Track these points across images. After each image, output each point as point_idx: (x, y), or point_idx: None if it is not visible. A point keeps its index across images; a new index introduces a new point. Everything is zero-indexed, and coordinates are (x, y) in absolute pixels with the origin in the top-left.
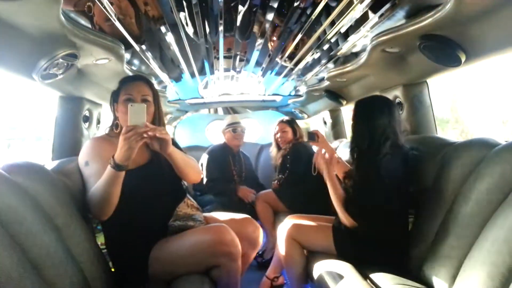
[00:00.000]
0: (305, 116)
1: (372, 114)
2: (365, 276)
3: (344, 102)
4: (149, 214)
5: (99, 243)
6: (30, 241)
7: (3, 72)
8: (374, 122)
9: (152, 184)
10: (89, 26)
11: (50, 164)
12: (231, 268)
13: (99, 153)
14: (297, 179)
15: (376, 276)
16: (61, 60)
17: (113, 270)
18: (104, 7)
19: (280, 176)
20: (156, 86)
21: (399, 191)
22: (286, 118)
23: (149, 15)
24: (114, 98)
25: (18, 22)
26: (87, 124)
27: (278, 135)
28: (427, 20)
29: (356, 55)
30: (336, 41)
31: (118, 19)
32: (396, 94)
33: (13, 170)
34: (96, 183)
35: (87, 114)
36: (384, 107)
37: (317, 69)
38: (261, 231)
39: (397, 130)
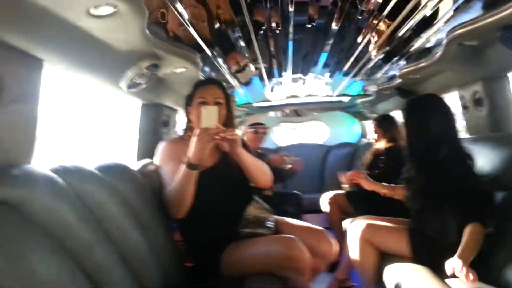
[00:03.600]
0: (374, 115)
1: (427, 113)
2: (442, 282)
3: None
4: (219, 216)
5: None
6: (119, 236)
7: (94, 82)
8: (430, 122)
9: (221, 185)
10: (164, 34)
11: (134, 165)
12: (297, 281)
13: (172, 154)
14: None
15: (453, 282)
16: (145, 70)
17: (188, 265)
18: (178, 12)
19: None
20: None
21: (473, 193)
22: (378, 116)
23: (221, 19)
24: (188, 102)
25: (107, 37)
26: (165, 128)
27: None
28: (509, 9)
29: (429, 50)
30: (409, 36)
31: (191, 24)
32: (475, 89)
33: (104, 170)
34: (171, 182)
35: (166, 119)
36: (438, 106)
37: (387, 67)
38: (335, 245)
39: (455, 132)
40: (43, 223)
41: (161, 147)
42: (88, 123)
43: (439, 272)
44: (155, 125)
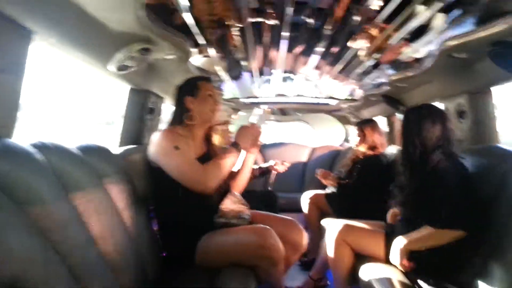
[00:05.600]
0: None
1: (425, 123)
2: (414, 283)
3: (403, 108)
4: (196, 206)
5: None
6: (96, 218)
7: (84, 60)
8: (427, 131)
9: None
10: (160, 19)
11: (116, 150)
12: (271, 272)
13: (183, 139)
14: (355, 190)
15: (425, 284)
16: (136, 54)
17: (164, 254)
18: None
19: (342, 180)
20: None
21: (460, 200)
22: (362, 120)
23: (217, 14)
24: (191, 92)
25: (101, 15)
26: (151, 115)
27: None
28: (501, 26)
29: (418, 60)
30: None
31: (191, 14)
32: (459, 102)
33: (85, 150)
34: (192, 162)
35: (152, 106)
36: (436, 116)
37: (377, 73)
38: (305, 235)
39: (450, 141)
40: (19, 199)
41: (163, 135)
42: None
43: (413, 275)
44: (141, 111)
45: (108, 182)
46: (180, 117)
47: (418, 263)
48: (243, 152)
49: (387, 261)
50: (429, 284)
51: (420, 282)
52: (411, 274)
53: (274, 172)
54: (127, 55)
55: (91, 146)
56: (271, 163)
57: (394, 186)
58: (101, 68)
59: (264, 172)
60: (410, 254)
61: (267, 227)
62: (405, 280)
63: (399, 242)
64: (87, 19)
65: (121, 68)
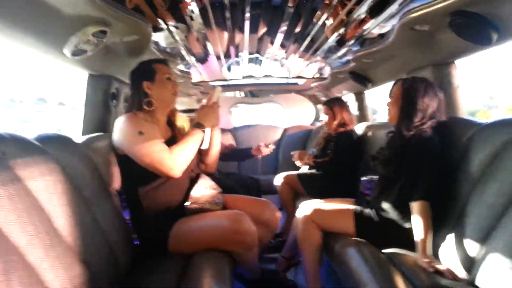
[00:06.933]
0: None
1: (426, 95)
2: (380, 252)
3: (370, 85)
4: (167, 192)
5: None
6: (61, 210)
7: (35, 46)
8: (428, 103)
9: None
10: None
11: (79, 138)
12: (246, 256)
13: (147, 124)
14: (329, 169)
15: (394, 254)
16: (91, 37)
17: (137, 243)
18: None
19: (315, 158)
20: (181, 68)
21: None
22: (330, 99)
23: None
24: (147, 77)
25: None
26: (114, 102)
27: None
28: None
29: (381, 36)
30: (362, 20)
31: None
32: (424, 75)
33: (44, 140)
34: (157, 146)
35: (115, 93)
36: (433, 88)
37: (343, 50)
38: (278, 215)
39: (443, 112)
40: None
41: (126, 121)
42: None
43: (382, 246)
44: (103, 98)
45: (71, 172)
46: (139, 103)
47: (388, 238)
48: (207, 130)
49: (357, 235)
50: (398, 255)
51: (388, 252)
52: (381, 247)
53: (259, 156)
54: (83, 39)
55: (51, 135)
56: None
57: (372, 157)
58: (56, 54)
59: (247, 156)
60: (381, 230)
61: (241, 212)
62: (375, 249)
63: (420, 259)
64: (36, 2)
65: (77, 53)
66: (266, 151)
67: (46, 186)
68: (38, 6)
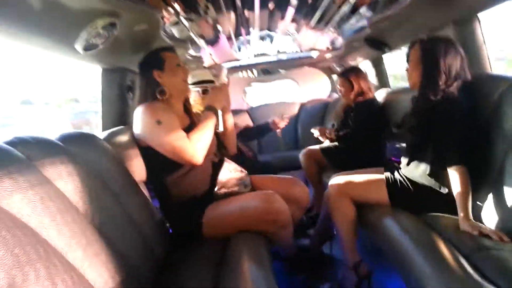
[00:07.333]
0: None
1: (448, 54)
2: (419, 220)
3: (387, 49)
4: (194, 179)
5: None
6: (92, 207)
7: (47, 46)
8: (451, 62)
9: None
10: None
11: (100, 134)
12: (281, 234)
13: (165, 113)
14: (352, 140)
15: (434, 219)
16: (101, 30)
17: (171, 231)
18: None
19: (340, 132)
20: (192, 52)
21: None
22: (345, 69)
23: None
24: (158, 66)
25: None
26: (131, 94)
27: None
28: None
29: None
30: None
31: None
32: (446, 33)
33: (67, 140)
34: (177, 134)
35: (131, 85)
36: (455, 47)
37: (357, 17)
38: (307, 190)
39: (466, 71)
40: None
41: (143, 111)
42: None
43: (419, 213)
44: (119, 91)
45: (97, 168)
46: (152, 93)
47: (424, 203)
48: (220, 113)
49: (392, 204)
50: (439, 220)
51: (427, 218)
52: (418, 212)
53: (278, 130)
54: (93, 33)
55: (73, 134)
56: (269, 121)
57: (397, 125)
58: (68, 51)
59: (264, 131)
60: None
61: (271, 191)
62: (416, 220)
63: (463, 225)
64: (44, 1)
65: (88, 47)
66: (282, 124)
67: (75, 185)
68: (44, 4)
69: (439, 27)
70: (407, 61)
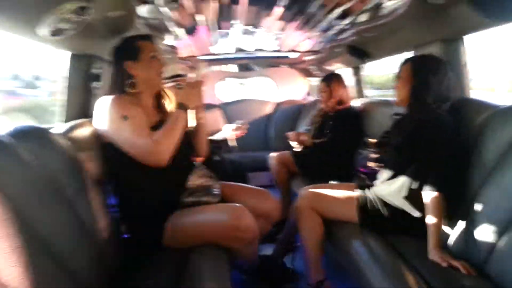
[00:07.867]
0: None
1: (436, 73)
2: (388, 243)
3: (367, 59)
4: (161, 184)
5: None
6: (40, 216)
7: (8, 28)
8: (442, 82)
9: None
10: None
11: (59, 127)
12: (246, 251)
13: (132, 107)
14: (327, 149)
15: (403, 245)
16: (70, 15)
17: (126, 236)
18: None
19: (316, 139)
20: (168, 42)
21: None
22: (327, 75)
23: None
24: (131, 56)
25: None
26: (98, 83)
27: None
28: None
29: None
30: None
31: None
32: (432, 50)
33: (20, 136)
34: (143, 132)
35: (98, 72)
36: (445, 67)
37: (346, 24)
38: (279, 206)
39: (454, 91)
40: None
41: (109, 103)
42: None
43: (387, 234)
44: (84, 80)
45: (49, 167)
46: (122, 85)
47: (394, 225)
48: (190, 112)
49: (361, 224)
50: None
51: (394, 242)
52: (386, 235)
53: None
54: (61, 17)
55: (25, 128)
56: (225, 133)
57: (379, 143)
58: (29, 35)
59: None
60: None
61: (241, 206)
62: (380, 240)
63: (433, 254)
64: None
65: (56, 32)
66: (237, 133)
67: (25, 191)
68: None
69: (426, 44)
70: (397, 77)
